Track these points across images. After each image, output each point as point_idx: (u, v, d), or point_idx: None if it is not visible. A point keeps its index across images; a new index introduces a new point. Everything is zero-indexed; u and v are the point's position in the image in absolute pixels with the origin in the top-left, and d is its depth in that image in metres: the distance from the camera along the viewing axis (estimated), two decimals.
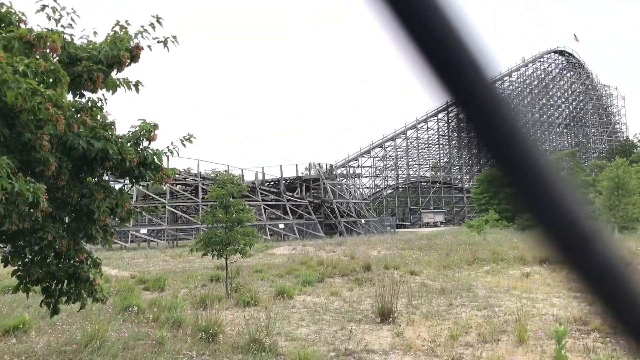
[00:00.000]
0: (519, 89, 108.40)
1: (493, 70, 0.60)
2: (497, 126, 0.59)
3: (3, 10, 6.58)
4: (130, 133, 7.41)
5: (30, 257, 7.23)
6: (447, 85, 0.60)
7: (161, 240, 52.51)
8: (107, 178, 8.07)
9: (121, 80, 7.19)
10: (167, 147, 7.64)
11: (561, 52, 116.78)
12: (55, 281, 7.44)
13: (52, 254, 7.21)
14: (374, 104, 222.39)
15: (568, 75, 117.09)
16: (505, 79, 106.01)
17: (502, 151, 0.57)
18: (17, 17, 6.61)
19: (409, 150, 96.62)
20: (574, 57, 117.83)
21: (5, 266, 7.27)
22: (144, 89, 7.42)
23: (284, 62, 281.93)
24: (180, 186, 59.01)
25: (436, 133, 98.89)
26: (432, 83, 0.61)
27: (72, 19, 6.98)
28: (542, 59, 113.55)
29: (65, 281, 7.44)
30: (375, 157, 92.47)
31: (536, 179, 0.58)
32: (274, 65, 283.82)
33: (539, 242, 0.59)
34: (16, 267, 7.26)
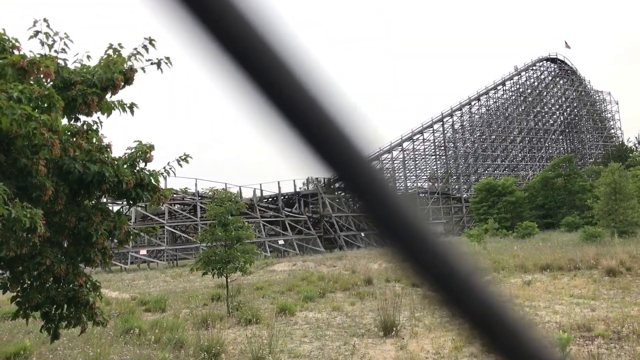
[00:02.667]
0: (513, 97, 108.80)
1: (370, 147, 0.62)
2: (373, 196, 0.61)
3: None
4: (126, 155, 7.41)
5: (29, 282, 7.20)
6: (324, 164, 0.61)
7: (161, 260, 52.33)
8: (104, 200, 8.07)
9: (116, 102, 7.21)
10: (164, 168, 7.64)
11: (553, 60, 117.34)
12: (55, 306, 7.40)
13: (51, 279, 7.17)
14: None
15: (561, 82, 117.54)
16: (498, 88, 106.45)
17: (379, 216, 0.60)
18: (10, 43, 6.63)
19: (406, 162, 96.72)
20: (566, 64, 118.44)
21: (4, 293, 7.23)
22: (140, 110, 7.44)
23: None
24: (179, 206, 58.94)
25: (432, 144, 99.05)
26: (309, 161, 0.62)
27: (65, 44, 7.01)
28: (534, 67, 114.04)
29: (65, 305, 7.40)
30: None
31: (412, 241, 0.62)
32: None
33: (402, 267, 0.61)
34: (15, 293, 7.22)
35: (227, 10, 0.58)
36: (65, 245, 7.32)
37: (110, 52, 7.16)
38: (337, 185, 0.64)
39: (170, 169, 7.66)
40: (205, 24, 0.58)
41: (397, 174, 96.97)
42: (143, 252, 50.55)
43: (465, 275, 0.66)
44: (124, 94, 7.23)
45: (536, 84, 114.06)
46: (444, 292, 0.65)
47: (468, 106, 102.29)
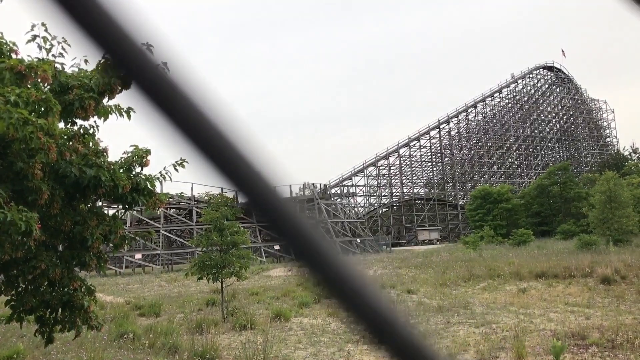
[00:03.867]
0: (509, 105, 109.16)
1: (277, 180, 0.67)
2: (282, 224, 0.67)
3: None
4: (122, 159, 7.42)
5: (23, 286, 7.19)
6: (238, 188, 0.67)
7: (156, 264, 52.18)
8: (100, 204, 8.07)
9: (113, 107, 7.22)
10: (160, 172, 7.65)
11: (550, 68, 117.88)
12: (49, 310, 7.38)
13: (46, 283, 7.16)
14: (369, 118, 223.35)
15: (557, 90, 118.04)
16: (495, 95, 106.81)
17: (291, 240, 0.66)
18: (8, 47, 6.65)
19: (403, 168, 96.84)
20: (562, 72, 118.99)
21: None
22: (138, 114, 7.44)
23: (274, 76, 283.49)
24: (174, 210, 58.84)
25: (429, 150, 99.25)
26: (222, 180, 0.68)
27: (63, 48, 7.02)
28: (531, 75, 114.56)
29: (60, 309, 7.38)
30: (369, 175, 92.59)
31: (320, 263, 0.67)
32: (266, 80, 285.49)
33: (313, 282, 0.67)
34: (9, 297, 7.21)
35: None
36: (61, 249, 7.32)
37: (107, 57, 7.17)
38: (249, 205, 0.68)
39: (166, 173, 7.67)
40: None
41: (393, 181, 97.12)
42: (138, 256, 50.41)
43: (362, 287, 0.70)
44: (121, 98, 7.24)
45: (533, 91, 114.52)
46: (344, 302, 0.70)
47: (464, 113, 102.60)
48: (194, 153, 0.64)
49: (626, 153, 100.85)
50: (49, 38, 6.93)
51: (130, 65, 0.63)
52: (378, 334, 0.69)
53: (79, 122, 7.17)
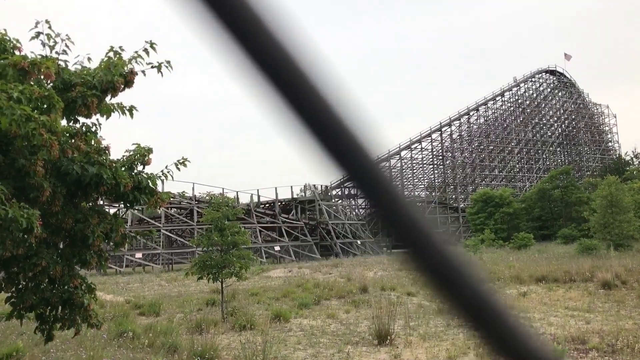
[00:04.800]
0: (511, 108, 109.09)
1: (377, 149, 0.66)
2: (381, 197, 0.65)
3: None
4: (124, 157, 7.42)
5: (24, 283, 7.19)
6: (335, 164, 0.65)
7: (156, 264, 52.17)
8: (101, 203, 8.06)
9: (115, 105, 7.22)
10: (162, 171, 7.65)
11: (552, 72, 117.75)
12: (49, 307, 7.38)
13: (46, 280, 7.16)
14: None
15: (560, 94, 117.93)
16: (497, 99, 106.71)
17: (389, 216, 0.64)
18: (11, 44, 6.65)
19: (404, 170, 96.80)
20: (565, 76, 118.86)
21: None
22: (140, 112, 7.44)
23: None
24: (175, 209, 58.83)
25: (430, 153, 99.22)
26: (321, 161, 0.65)
27: (67, 45, 7.03)
28: (533, 79, 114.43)
29: (60, 307, 7.38)
30: None
31: (418, 236, 0.65)
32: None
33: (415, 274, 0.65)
34: (10, 294, 7.21)
35: (244, 12, 0.60)
36: (62, 246, 7.31)
37: (111, 54, 7.18)
38: (348, 185, 0.67)
39: (168, 172, 7.67)
40: (226, 26, 0.61)
41: (394, 183, 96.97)
42: (139, 255, 50.40)
43: (473, 282, 0.68)
44: (124, 97, 7.24)
45: (535, 95, 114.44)
46: (451, 297, 0.67)
47: (466, 116, 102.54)
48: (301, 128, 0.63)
49: (628, 158, 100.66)
50: (53, 35, 6.94)
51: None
52: (477, 322, 0.67)
53: (82, 119, 7.18)
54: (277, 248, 57.77)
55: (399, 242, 0.69)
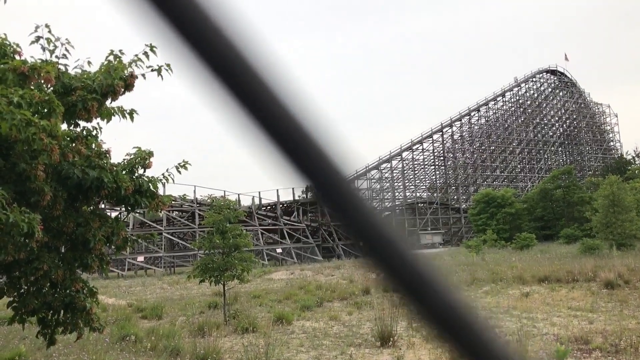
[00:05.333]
0: (512, 108, 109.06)
1: (349, 168, 0.65)
2: (350, 215, 0.64)
3: None
4: (125, 161, 7.42)
5: (25, 287, 7.19)
6: (297, 173, 0.65)
7: (158, 267, 52.18)
8: (103, 206, 8.07)
9: (116, 108, 7.22)
10: (163, 174, 7.65)
11: (553, 72, 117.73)
12: (51, 311, 7.38)
13: (48, 284, 7.16)
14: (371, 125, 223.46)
15: (561, 94, 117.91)
16: (498, 99, 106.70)
17: (354, 226, 0.63)
18: (11, 48, 6.66)
19: (405, 171, 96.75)
20: (565, 76, 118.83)
21: (0, 297, 7.21)
22: (142, 116, 7.45)
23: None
24: (177, 212, 58.83)
25: (431, 154, 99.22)
26: (283, 169, 0.65)
27: (67, 50, 7.03)
28: (534, 79, 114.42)
29: (62, 311, 7.38)
30: (372, 179, 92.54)
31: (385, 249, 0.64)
32: None
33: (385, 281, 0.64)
34: (12, 299, 7.20)
35: (207, 26, 0.60)
36: (63, 250, 7.31)
37: (111, 58, 7.18)
38: (313, 195, 0.66)
39: (169, 175, 7.67)
40: (186, 37, 0.60)
41: (396, 184, 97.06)
42: (140, 258, 50.42)
43: (437, 287, 0.68)
44: (124, 100, 7.24)
45: (536, 95, 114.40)
46: (416, 301, 0.67)
47: (467, 117, 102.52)
48: (268, 148, 0.63)
49: (629, 157, 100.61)
50: (53, 39, 6.94)
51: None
52: (445, 328, 0.66)
53: (82, 123, 7.18)
54: (279, 250, 57.78)
55: (364, 249, 0.69)
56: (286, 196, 66.75)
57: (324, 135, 0.65)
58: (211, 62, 0.61)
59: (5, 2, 6.58)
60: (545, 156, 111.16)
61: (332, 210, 0.66)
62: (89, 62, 7.24)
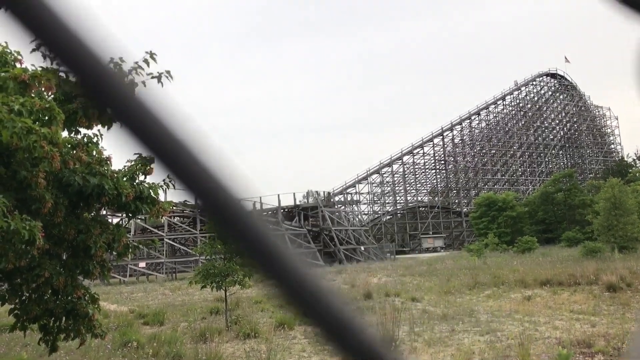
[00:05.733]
0: (513, 112, 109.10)
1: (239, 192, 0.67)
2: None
3: None
4: (126, 168, 7.44)
5: (27, 294, 7.20)
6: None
7: (160, 273, 52.18)
8: (104, 213, 8.08)
9: None
10: (164, 181, 7.65)
11: (553, 75, 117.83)
12: (53, 318, 7.39)
13: (50, 291, 7.17)
14: (372, 130, 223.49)
15: (561, 97, 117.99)
16: (498, 102, 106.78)
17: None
18: (12, 56, 6.69)
19: (406, 175, 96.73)
20: (565, 79, 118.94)
21: (2, 305, 7.23)
22: None
23: (279, 83, 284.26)
24: (178, 218, 58.84)
25: (432, 158, 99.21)
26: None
27: None
28: (534, 82, 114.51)
29: (64, 318, 7.39)
30: (373, 183, 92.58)
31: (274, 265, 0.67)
32: (270, 88, 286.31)
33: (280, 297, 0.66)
34: (13, 306, 7.21)
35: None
36: (64, 257, 7.33)
37: (111, 65, 7.20)
38: (199, 211, 0.69)
39: (170, 181, 7.68)
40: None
41: (397, 188, 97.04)
42: (142, 264, 50.40)
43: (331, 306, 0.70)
44: None
45: (536, 99, 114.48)
46: (314, 321, 0.69)
47: (468, 121, 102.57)
48: (159, 160, 0.65)
49: (630, 160, 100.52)
50: None
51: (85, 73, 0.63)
52: (343, 347, 0.68)
53: (83, 130, 7.20)
54: None
55: (258, 271, 0.71)
56: (287, 201, 66.73)
57: (206, 152, 0.68)
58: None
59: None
60: (546, 159, 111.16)
61: (217, 226, 0.69)
62: None
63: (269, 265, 0.67)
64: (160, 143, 0.65)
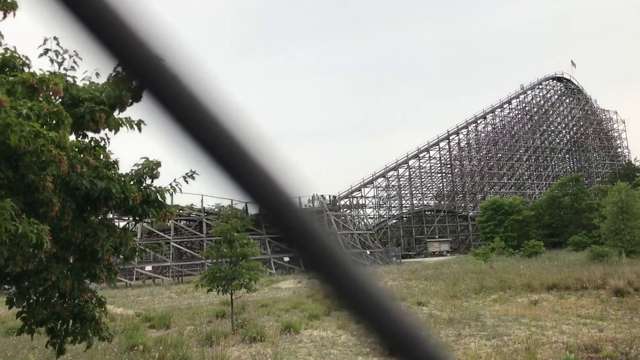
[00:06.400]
0: (519, 116, 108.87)
1: (297, 190, 0.68)
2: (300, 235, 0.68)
3: (7, 55, 6.71)
4: (133, 171, 7.46)
5: (34, 298, 7.22)
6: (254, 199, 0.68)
7: (166, 276, 52.25)
8: (111, 216, 8.11)
9: (123, 119, 7.26)
10: (170, 184, 7.68)
11: (559, 79, 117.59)
12: (60, 321, 7.41)
13: (57, 295, 7.19)
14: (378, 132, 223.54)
15: (567, 101, 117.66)
16: (504, 106, 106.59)
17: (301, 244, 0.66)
18: (20, 61, 6.73)
19: (412, 179, 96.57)
20: (572, 82, 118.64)
21: (10, 308, 7.25)
22: (150, 126, 7.48)
23: (286, 87, 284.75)
24: (185, 222, 58.95)
25: (438, 162, 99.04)
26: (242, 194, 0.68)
27: (75, 62, 7.09)
28: (540, 86, 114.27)
29: (71, 321, 7.41)
30: (379, 187, 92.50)
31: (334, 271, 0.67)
32: (277, 92, 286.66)
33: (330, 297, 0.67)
34: (21, 309, 7.24)
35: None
36: (71, 261, 7.35)
37: (119, 69, 7.22)
38: (261, 216, 0.69)
39: (176, 185, 7.70)
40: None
41: (403, 192, 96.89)
42: (148, 268, 50.50)
43: (382, 302, 0.70)
44: (132, 111, 7.28)
45: (542, 102, 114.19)
46: (364, 318, 0.70)
47: (474, 124, 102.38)
48: (207, 162, 0.65)
49: (638, 164, 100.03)
50: (61, 52, 7.01)
51: (142, 75, 0.64)
52: (390, 347, 0.68)
53: (90, 134, 7.22)
54: (286, 259, 57.70)
55: (310, 269, 0.71)
56: None
57: (267, 156, 0.68)
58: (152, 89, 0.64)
59: (14, 15, 6.65)
60: (553, 163, 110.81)
61: (272, 225, 0.69)
62: (97, 74, 7.30)
63: (326, 265, 0.68)
64: (225, 150, 0.66)
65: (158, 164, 7.50)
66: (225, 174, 0.66)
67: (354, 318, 0.67)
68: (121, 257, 7.74)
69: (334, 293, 0.68)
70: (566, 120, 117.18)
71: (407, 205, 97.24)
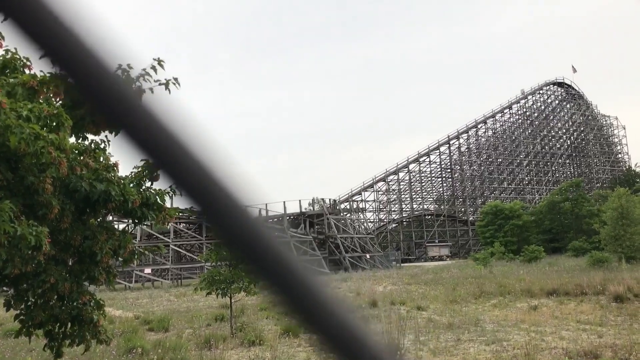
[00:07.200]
0: (520, 120, 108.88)
1: (246, 199, 0.66)
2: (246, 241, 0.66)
3: (8, 56, 6.71)
4: (133, 174, 7.46)
5: (33, 300, 7.21)
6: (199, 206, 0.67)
7: (165, 279, 52.21)
8: (110, 219, 8.10)
9: None
10: (170, 187, 7.67)
11: (560, 84, 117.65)
12: (58, 324, 7.39)
13: (55, 297, 7.18)
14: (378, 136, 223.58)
15: (568, 106, 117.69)
16: (505, 111, 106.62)
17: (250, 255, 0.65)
18: (21, 62, 6.72)
19: (412, 183, 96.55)
20: (573, 88, 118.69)
21: (7, 310, 7.24)
22: None
23: (286, 91, 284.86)
24: (184, 224, 58.92)
25: (439, 166, 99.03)
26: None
27: None
28: (541, 91, 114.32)
29: (69, 323, 7.40)
30: (379, 191, 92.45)
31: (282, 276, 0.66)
32: (278, 95, 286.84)
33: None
34: (19, 311, 7.22)
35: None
36: (70, 263, 7.34)
37: (119, 72, 7.23)
38: (205, 223, 0.68)
39: (176, 188, 7.69)
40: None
41: (403, 196, 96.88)
42: (148, 270, 50.45)
43: (337, 312, 0.69)
44: None
45: (543, 107, 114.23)
46: (318, 330, 0.68)
47: (474, 129, 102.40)
48: (163, 169, 0.65)
49: (638, 169, 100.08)
50: None
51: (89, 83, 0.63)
52: (347, 355, 0.67)
53: (90, 136, 7.22)
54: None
55: (259, 279, 0.70)
56: (293, 208, 66.73)
57: (215, 162, 0.67)
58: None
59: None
60: (553, 168, 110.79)
61: (218, 232, 0.68)
62: None
63: (273, 272, 0.66)
64: (166, 150, 0.65)
65: (158, 167, 7.50)
66: (170, 177, 0.66)
67: (308, 330, 0.66)
68: (120, 259, 7.74)
69: (286, 305, 0.67)
70: (567, 125, 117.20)
71: (407, 209, 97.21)
